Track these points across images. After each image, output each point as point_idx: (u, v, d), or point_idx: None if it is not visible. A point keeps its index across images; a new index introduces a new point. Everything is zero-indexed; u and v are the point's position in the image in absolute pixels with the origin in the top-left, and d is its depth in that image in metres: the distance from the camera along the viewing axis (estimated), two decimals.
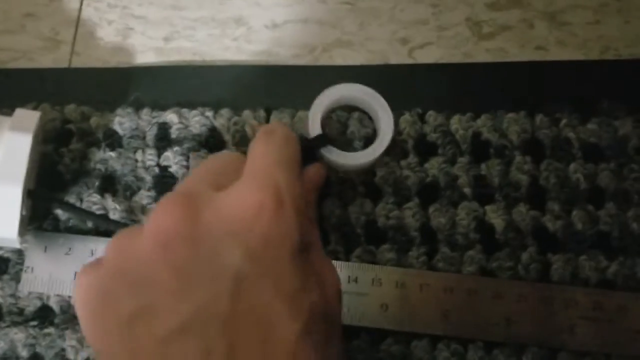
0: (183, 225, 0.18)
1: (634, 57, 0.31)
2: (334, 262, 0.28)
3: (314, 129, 0.28)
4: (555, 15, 0.32)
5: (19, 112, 0.27)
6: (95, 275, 0.19)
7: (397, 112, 0.30)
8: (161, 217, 0.18)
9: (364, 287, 0.27)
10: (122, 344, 0.17)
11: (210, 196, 0.19)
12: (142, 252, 0.18)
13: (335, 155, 0.28)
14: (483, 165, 0.29)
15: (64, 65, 0.33)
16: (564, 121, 0.30)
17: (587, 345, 0.27)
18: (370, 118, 0.30)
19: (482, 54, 0.32)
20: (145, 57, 0.33)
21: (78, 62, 0.33)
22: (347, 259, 0.28)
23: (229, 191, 0.20)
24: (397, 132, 0.30)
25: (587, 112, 0.30)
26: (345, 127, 0.30)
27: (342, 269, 0.28)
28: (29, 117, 0.26)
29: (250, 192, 0.19)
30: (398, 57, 0.32)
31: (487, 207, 0.28)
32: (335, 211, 0.29)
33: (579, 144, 0.29)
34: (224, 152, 0.29)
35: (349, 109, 0.30)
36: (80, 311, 0.19)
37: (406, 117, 0.30)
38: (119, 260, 0.19)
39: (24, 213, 0.26)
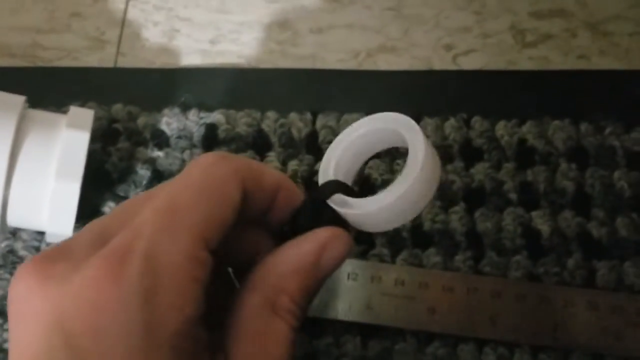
0: (24, 297, 0.16)
1: None
2: (380, 263, 0.28)
3: (325, 176, 0.19)
4: (598, 25, 0.33)
5: (74, 110, 0.27)
6: None
7: (442, 116, 0.30)
8: (12, 283, 0.16)
9: (410, 290, 0.28)
10: None
11: (78, 259, 0.16)
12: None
13: (347, 206, 0.18)
14: (529, 172, 0.29)
15: (110, 65, 0.33)
16: (608, 129, 0.30)
17: (633, 352, 0.27)
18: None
19: (525, 61, 0.32)
20: (191, 59, 0.33)
21: (124, 63, 0.33)
22: (393, 262, 0.28)
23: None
24: (443, 137, 0.30)
25: (630, 121, 0.30)
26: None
27: (389, 272, 0.28)
28: (84, 115, 0.27)
29: (95, 259, 0.15)
30: (442, 63, 0.32)
31: (533, 213, 0.29)
32: None
33: (623, 152, 0.30)
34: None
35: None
36: None
37: (451, 122, 0.30)
38: None
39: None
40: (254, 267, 0.17)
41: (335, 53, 0.33)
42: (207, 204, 0.16)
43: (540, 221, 0.29)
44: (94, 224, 0.17)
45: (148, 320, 0.15)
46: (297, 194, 0.19)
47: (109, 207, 0.30)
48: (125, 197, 0.30)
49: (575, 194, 0.29)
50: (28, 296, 0.16)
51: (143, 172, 0.30)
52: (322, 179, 0.19)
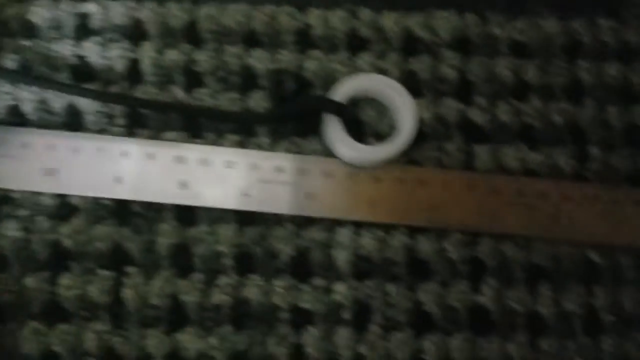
0: None
1: None
2: (259, 152, 0.27)
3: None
4: None
5: None
6: None
7: (329, 7, 0.29)
8: None
9: (290, 176, 0.27)
10: None
11: None
12: None
13: (339, 141, 0.26)
14: (411, 60, 0.29)
15: None
16: (492, 19, 0.30)
17: (508, 229, 0.27)
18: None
19: None
20: None
21: None
22: (272, 149, 0.28)
23: None
24: (329, 27, 0.29)
25: (514, 12, 0.30)
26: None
27: (269, 159, 0.27)
28: None
29: None
30: None
31: (415, 101, 0.28)
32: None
33: (506, 41, 0.30)
34: None
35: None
36: None
37: (338, 12, 0.29)
38: None
39: None
40: None
41: None
42: None
43: (422, 108, 0.28)
44: None
45: None
46: None
47: None
48: None
49: (458, 81, 0.29)
50: None
51: (10, 64, 0.28)
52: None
